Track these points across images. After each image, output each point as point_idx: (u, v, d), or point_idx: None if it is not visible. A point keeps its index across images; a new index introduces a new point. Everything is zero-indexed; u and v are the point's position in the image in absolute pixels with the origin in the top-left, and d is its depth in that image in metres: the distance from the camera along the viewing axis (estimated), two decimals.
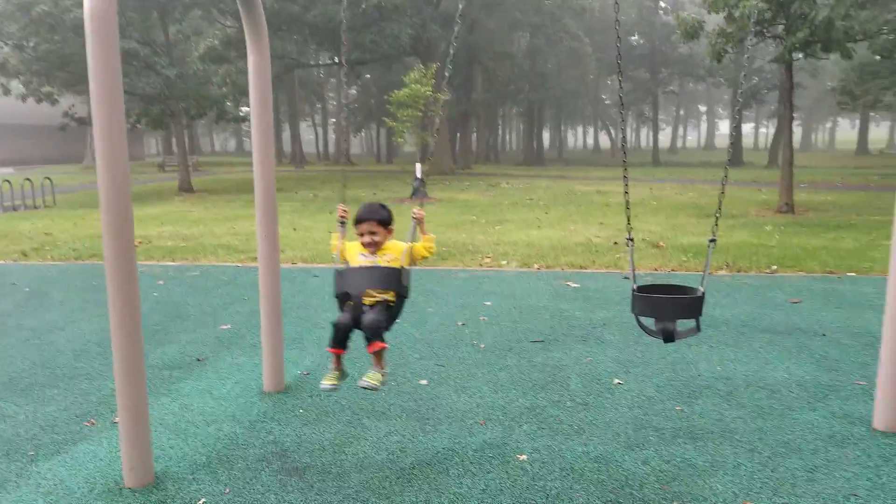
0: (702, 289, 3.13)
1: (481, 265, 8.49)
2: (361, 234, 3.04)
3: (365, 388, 2.99)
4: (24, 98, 21.83)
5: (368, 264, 3.02)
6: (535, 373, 4.39)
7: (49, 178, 19.13)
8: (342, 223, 3.19)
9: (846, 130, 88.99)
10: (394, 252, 3.04)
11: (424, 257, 3.10)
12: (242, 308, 6.25)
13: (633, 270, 3.47)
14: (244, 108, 32.53)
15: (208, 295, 6.85)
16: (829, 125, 79.19)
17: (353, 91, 51.51)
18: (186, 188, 21.48)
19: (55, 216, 15.08)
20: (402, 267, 2.99)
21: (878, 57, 17.15)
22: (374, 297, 2.97)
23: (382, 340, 2.96)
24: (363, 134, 71.56)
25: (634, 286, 3.20)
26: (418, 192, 18.35)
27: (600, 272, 7.88)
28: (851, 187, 20.39)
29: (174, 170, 22.74)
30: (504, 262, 8.61)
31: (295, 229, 11.93)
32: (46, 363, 4.76)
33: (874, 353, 4.61)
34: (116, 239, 2.85)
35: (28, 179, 18.59)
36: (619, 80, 3.47)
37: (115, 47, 2.72)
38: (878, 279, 7.08)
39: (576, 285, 7.07)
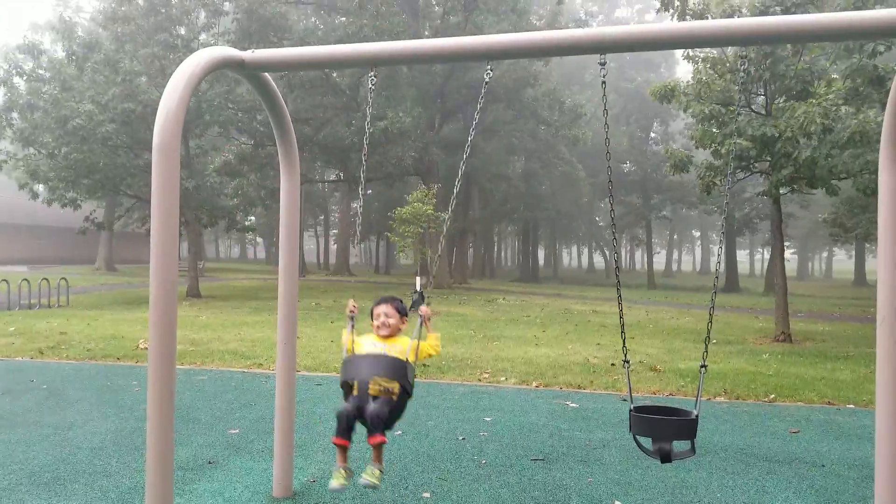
0: (695, 412, 3.34)
1: (480, 380, 8.61)
2: (377, 317, 3.18)
3: (366, 486, 3.07)
4: (49, 202, 22.68)
5: (377, 352, 3.11)
6: (536, 491, 4.47)
7: (65, 279, 19.52)
8: (352, 318, 3.32)
9: (843, 260, 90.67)
10: (402, 345, 3.16)
11: (430, 355, 3.20)
12: (249, 413, 6.35)
13: (630, 391, 3.68)
14: (251, 218, 33.50)
15: (217, 399, 6.96)
16: (824, 254, 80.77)
17: (356, 205, 53.08)
18: (195, 294, 21.83)
19: (69, 316, 15.30)
20: (409, 361, 3.08)
21: (860, 193, 18.00)
22: (380, 385, 3.04)
23: (384, 434, 3.03)
24: (363, 246, 72.95)
25: (632, 406, 3.40)
26: (417, 305, 18.63)
27: (599, 393, 8.00)
28: (848, 318, 20.71)
29: (183, 274, 23.15)
30: (503, 379, 8.73)
31: (298, 337, 12.07)
32: (66, 459, 4.88)
33: (873, 485, 4.70)
34: (162, 341, 3.09)
35: (45, 279, 18.97)
36: (611, 203, 3.82)
37: (176, 175, 3.11)
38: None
39: (574, 405, 7.18)
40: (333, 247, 58.45)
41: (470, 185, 40.80)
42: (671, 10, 14.92)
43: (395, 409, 3.08)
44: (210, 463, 4.88)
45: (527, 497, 4.35)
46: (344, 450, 3.16)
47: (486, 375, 8.92)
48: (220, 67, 3.54)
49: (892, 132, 3.63)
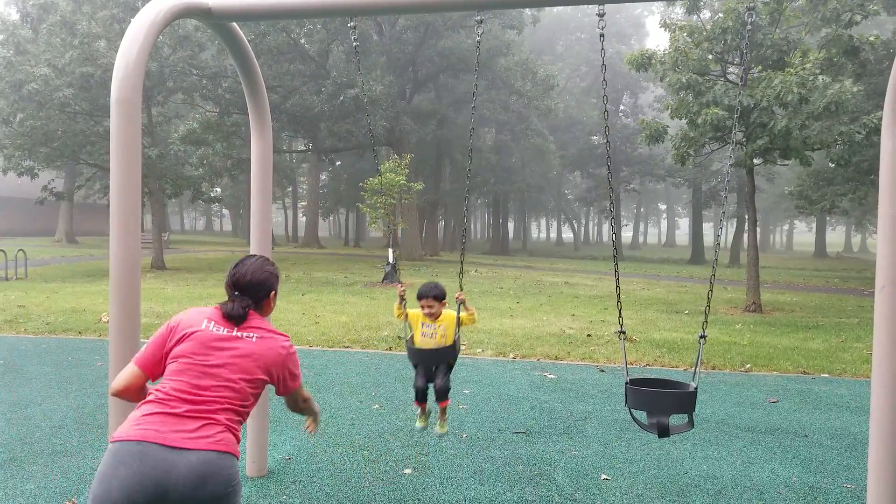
0: (694, 384, 3.20)
1: None
2: (423, 307, 3.84)
3: (439, 436, 4.11)
4: (4, 171, 21.75)
5: (431, 343, 3.82)
6: (521, 465, 4.34)
7: (23, 251, 18.78)
8: (402, 298, 3.91)
9: (803, 233, 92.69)
10: (447, 321, 3.84)
11: (469, 324, 3.90)
12: None
13: (626, 364, 3.53)
14: (217, 189, 32.73)
15: None
16: (786, 227, 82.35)
17: (324, 176, 52.42)
18: (159, 266, 21.25)
19: (28, 288, 14.70)
20: (455, 339, 3.77)
21: (832, 165, 18.20)
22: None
23: (448, 398, 3.92)
24: (332, 218, 72.20)
25: (627, 379, 3.25)
26: (389, 277, 18.43)
27: (576, 364, 7.91)
28: (813, 288, 21.06)
29: (147, 246, 22.53)
30: (479, 350, 8.61)
31: None
32: (24, 439, 4.60)
33: (857, 455, 4.68)
34: (124, 313, 2.83)
35: (2, 251, 18.19)
36: (610, 187, 3.64)
37: (137, 133, 2.81)
38: (851, 381, 7.25)
39: (553, 376, 7.08)
40: (302, 219, 57.73)
41: (441, 156, 40.44)
42: None
43: (451, 370, 3.93)
44: None
45: (511, 471, 4.22)
46: (423, 409, 4.03)
47: (463, 347, 8.77)
48: (184, 15, 3.23)
49: (894, 97, 3.49)
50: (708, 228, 77.10)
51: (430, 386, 3.91)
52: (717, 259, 3.64)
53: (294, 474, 4.06)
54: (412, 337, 3.91)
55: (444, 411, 4.03)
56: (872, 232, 62.42)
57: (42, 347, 8.05)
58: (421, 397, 3.96)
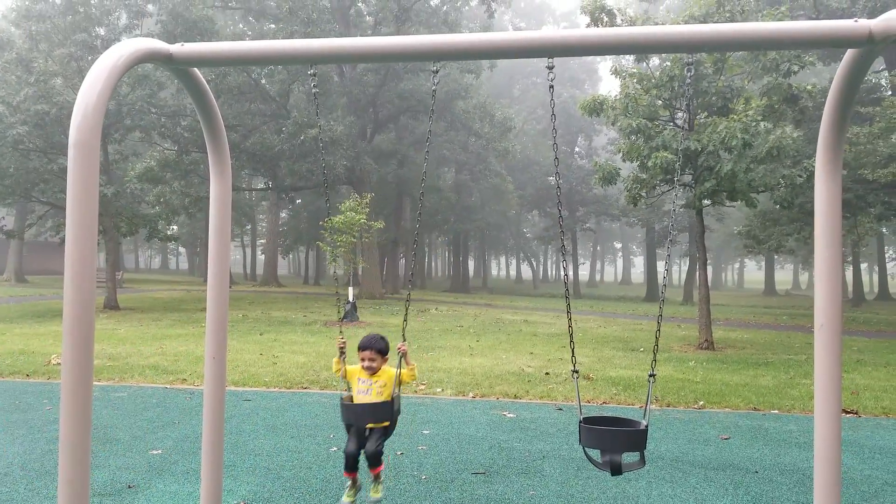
0: (644, 422, 3.30)
1: (416, 391, 8.45)
2: (363, 360, 3.70)
3: (375, 501, 3.83)
4: None
5: (367, 400, 3.67)
6: None
7: None
8: (342, 351, 3.80)
9: (753, 271, 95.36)
10: (385, 378, 3.70)
11: (408, 381, 3.79)
12: (173, 432, 5.97)
13: (580, 402, 3.62)
14: (173, 227, 32.26)
15: (137, 417, 6.52)
16: (737, 265, 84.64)
17: (284, 214, 52.11)
18: (112, 305, 20.73)
19: None
20: (393, 397, 3.63)
21: (777, 206, 18.95)
22: (374, 425, 3.70)
23: (381, 463, 3.73)
24: (291, 256, 71.54)
25: (581, 418, 3.33)
26: (350, 316, 18.30)
27: (535, 403, 7.97)
28: (763, 325, 21.64)
29: (101, 286, 21.96)
30: (439, 390, 8.61)
31: None
32: None
33: (805, 490, 4.82)
34: (77, 355, 2.80)
35: None
36: (560, 230, 3.78)
37: (95, 176, 2.83)
38: (800, 417, 7.47)
39: (511, 415, 7.13)
40: (261, 257, 57.08)
41: (402, 195, 40.73)
42: (600, 26, 15.28)
43: (388, 434, 3.75)
44: (130, 487, 4.52)
45: None
46: (353, 480, 3.82)
47: (423, 387, 8.77)
48: (146, 60, 3.28)
49: (827, 142, 3.73)
50: (662, 267, 78.86)
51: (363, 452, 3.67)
52: (663, 298, 3.78)
53: None
54: (350, 395, 3.72)
55: (377, 477, 3.79)
56: None
57: None
58: (351, 465, 3.69)
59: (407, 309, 3.84)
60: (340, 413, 3.72)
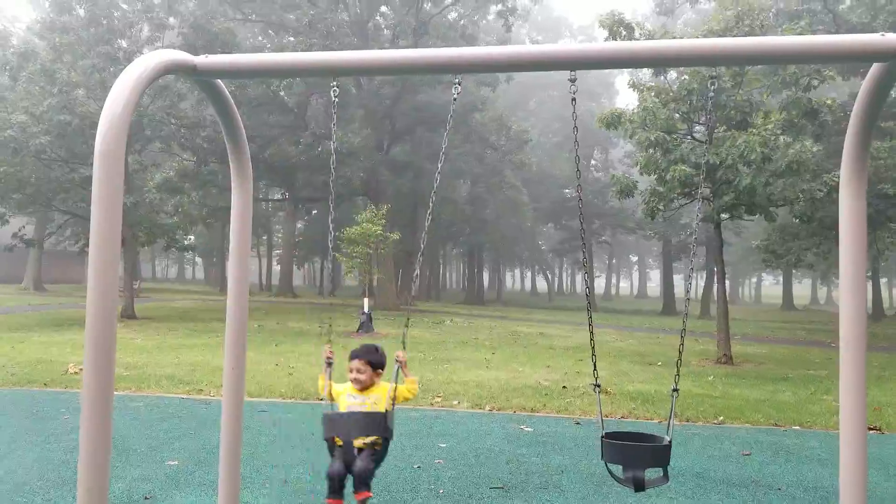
0: (668, 437, 3.25)
1: (432, 404, 8.42)
2: (350, 371, 3.29)
3: None
4: None
5: (356, 406, 3.19)
6: None
7: None
8: (329, 363, 3.37)
9: (770, 285, 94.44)
10: (379, 393, 3.26)
11: (407, 398, 3.30)
12: (189, 443, 5.98)
13: (602, 417, 3.57)
14: (190, 238, 32.53)
15: (153, 428, 6.54)
16: (754, 280, 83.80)
17: (300, 225, 52.42)
18: (130, 315, 20.90)
19: None
20: (387, 410, 3.16)
21: (796, 220, 18.76)
22: (363, 440, 3.18)
23: (369, 489, 3.15)
24: (306, 267, 71.84)
25: (603, 433, 3.29)
26: (365, 327, 18.31)
27: (552, 416, 7.91)
28: (782, 340, 21.38)
29: (118, 294, 22.19)
30: (455, 403, 8.56)
31: None
32: None
33: None
34: (98, 364, 2.82)
35: None
36: (582, 237, 3.75)
37: (119, 185, 2.86)
38: (821, 433, 7.35)
39: (529, 429, 7.06)
40: (276, 268, 57.35)
41: (417, 207, 40.81)
42: (618, 40, 15.27)
43: (379, 459, 3.22)
44: (147, 498, 4.52)
45: None
46: None
47: (439, 399, 8.73)
48: (171, 71, 3.31)
49: (852, 156, 3.68)
50: (678, 280, 78.30)
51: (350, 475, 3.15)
52: (687, 312, 3.74)
53: None
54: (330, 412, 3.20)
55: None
56: (837, 285, 64.05)
57: (5, 400, 7.84)
58: (336, 488, 3.13)
59: (408, 319, 3.53)
60: (322, 429, 3.16)
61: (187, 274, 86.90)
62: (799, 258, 22.87)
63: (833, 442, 6.83)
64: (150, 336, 16.07)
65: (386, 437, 3.18)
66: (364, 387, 3.25)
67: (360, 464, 3.10)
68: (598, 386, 3.52)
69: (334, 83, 3.47)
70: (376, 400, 3.23)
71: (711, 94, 3.30)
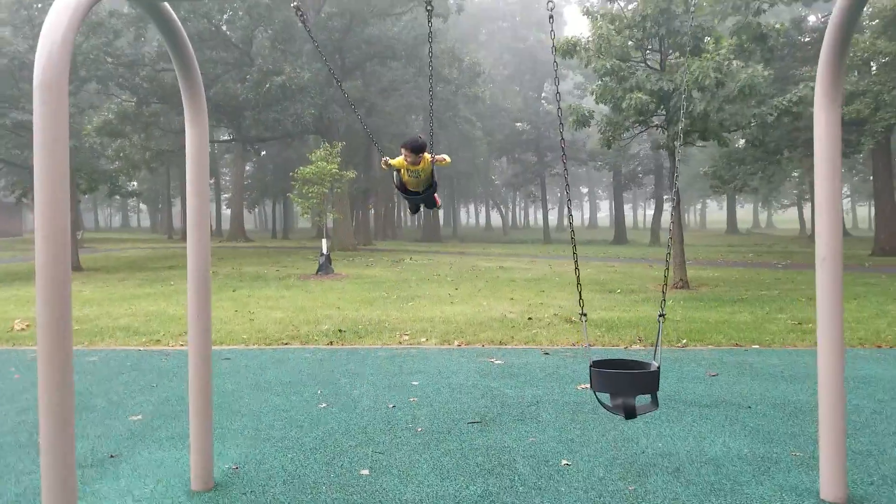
0: (656, 363, 3.22)
1: (400, 343, 8.36)
2: (406, 157, 4.28)
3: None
4: None
5: (416, 183, 4.35)
6: (479, 457, 4.28)
7: None
8: (387, 164, 4.40)
9: (714, 211, 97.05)
10: (424, 163, 4.31)
11: (440, 163, 4.34)
12: (152, 396, 5.77)
13: (588, 345, 3.52)
14: (134, 183, 31.28)
15: (112, 382, 6.28)
16: (699, 206, 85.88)
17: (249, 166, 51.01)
18: (75, 266, 20.10)
19: None
20: (433, 172, 4.32)
21: (742, 144, 18.98)
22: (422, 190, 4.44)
23: (438, 201, 4.54)
24: (258, 209, 70.40)
25: (591, 361, 3.24)
26: (324, 269, 18.07)
27: (521, 348, 7.94)
28: (732, 263, 22.00)
29: None
30: (423, 339, 8.52)
31: None
32: None
33: (799, 423, 4.85)
34: (54, 318, 2.58)
35: None
36: (564, 165, 3.61)
37: (64, 118, 2.55)
38: (780, 351, 7.57)
39: (499, 362, 7.07)
40: (226, 212, 56.01)
41: (371, 144, 40.01)
42: None
43: (433, 190, 4.43)
44: (112, 457, 4.31)
45: (471, 463, 4.15)
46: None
47: (406, 337, 8.67)
48: None
49: (828, 67, 3.59)
50: (628, 210, 79.65)
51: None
52: (671, 237, 3.67)
53: (244, 485, 3.86)
54: (401, 179, 4.43)
55: (438, 201, 4.63)
56: (777, 208, 66.05)
57: None
58: (415, 209, 4.75)
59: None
60: (395, 181, 4.43)
61: (132, 222, 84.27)
62: (745, 183, 23.32)
63: (792, 358, 7.08)
64: (98, 287, 15.52)
65: (433, 184, 4.38)
66: (414, 163, 4.29)
67: (428, 195, 4.41)
68: (585, 315, 3.44)
69: (294, 2, 3.17)
70: (424, 168, 4.30)
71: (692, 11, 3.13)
